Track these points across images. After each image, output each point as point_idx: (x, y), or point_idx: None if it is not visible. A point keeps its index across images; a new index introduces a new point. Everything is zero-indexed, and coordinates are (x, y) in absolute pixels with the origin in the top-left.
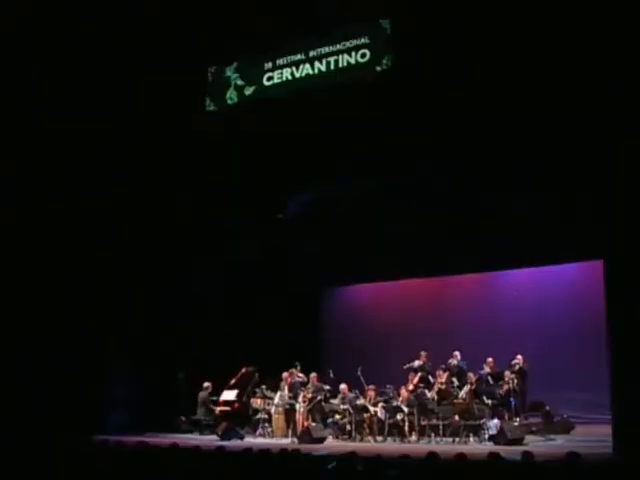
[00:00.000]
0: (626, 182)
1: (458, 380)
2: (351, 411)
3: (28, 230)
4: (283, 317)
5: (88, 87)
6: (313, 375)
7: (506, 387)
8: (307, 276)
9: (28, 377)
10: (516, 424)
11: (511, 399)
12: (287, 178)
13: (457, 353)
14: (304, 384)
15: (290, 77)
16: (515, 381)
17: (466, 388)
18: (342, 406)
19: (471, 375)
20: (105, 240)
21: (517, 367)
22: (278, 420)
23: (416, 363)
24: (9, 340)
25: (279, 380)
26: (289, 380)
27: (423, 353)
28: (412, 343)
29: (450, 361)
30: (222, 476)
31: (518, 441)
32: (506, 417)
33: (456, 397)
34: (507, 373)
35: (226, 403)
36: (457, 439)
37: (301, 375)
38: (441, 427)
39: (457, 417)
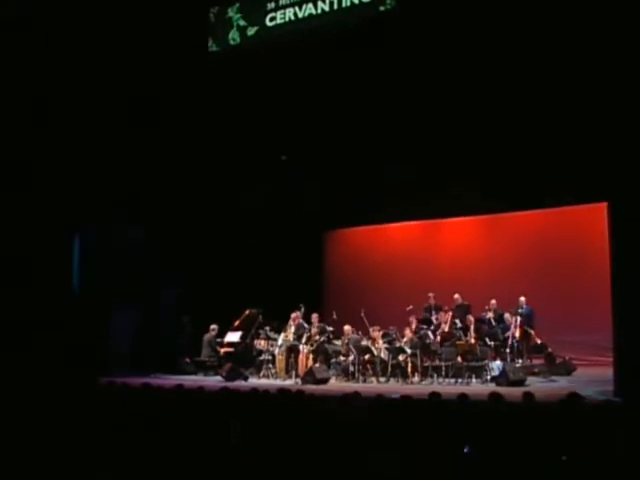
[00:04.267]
0: (630, 123)
1: (461, 322)
2: (354, 352)
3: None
4: (286, 259)
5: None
6: (314, 315)
7: (512, 330)
8: (309, 218)
9: (35, 321)
10: (518, 365)
11: (513, 341)
12: (290, 119)
13: (458, 296)
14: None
15: (293, 17)
16: (518, 323)
17: (470, 330)
18: (345, 346)
19: (470, 317)
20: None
21: (520, 309)
22: (281, 361)
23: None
24: (13, 285)
25: (284, 321)
26: (296, 321)
27: (431, 294)
28: (415, 285)
29: (455, 299)
30: (226, 416)
31: (520, 382)
32: (508, 359)
33: (459, 339)
34: (507, 316)
35: (230, 344)
36: (460, 380)
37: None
38: (444, 368)
39: (460, 358)
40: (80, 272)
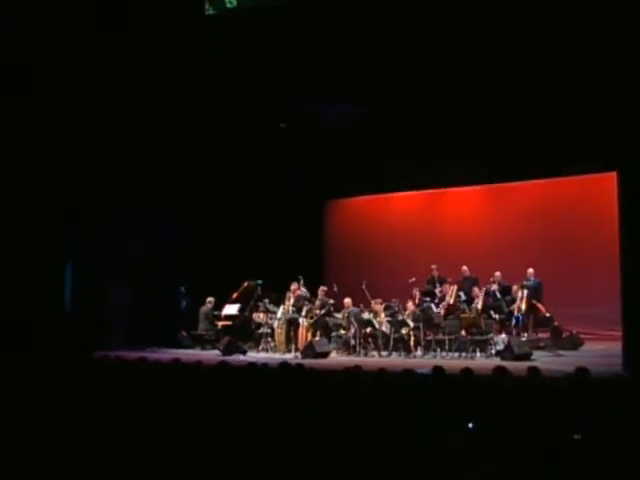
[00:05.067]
0: None
1: (467, 294)
2: (355, 325)
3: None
4: (286, 230)
5: None
6: (322, 288)
7: (518, 303)
8: (310, 187)
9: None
10: (524, 339)
11: (519, 314)
12: (289, 82)
13: (466, 268)
14: (308, 298)
15: None
16: (524, 296)
17: (475, 302)
18: (346, 319)
19: (476, 290)
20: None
21: (527, 281)
22: (281, 335)
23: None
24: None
25: (283, 293)
26: (296, 293)
27: (434, 266)
28: (418, 256)
29: (463, 270)
30: (224, 391)
31: (525, 357)
32: (514, 332)
33: (463, 311)
34: (515, 288)
35: (228, 317)
36: (463, 354)
37: (304, 290)
38: (447, 342)
39: (464, 332)
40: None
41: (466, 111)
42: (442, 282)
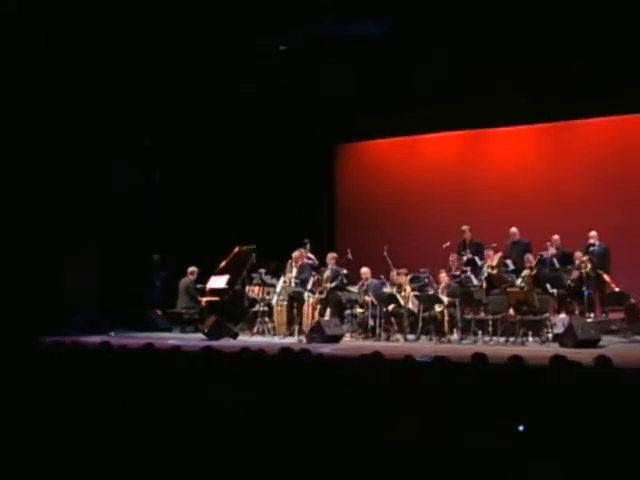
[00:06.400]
0: None
1: (514, 263)
2: (375, 302)
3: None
4: (288, 182)
5: None
6: (331, 255)
7: (577, 272)
8: (317, 127)
9: None
10: (590, 321)
11: (583, 288)
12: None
13: (515, 230)
14: (315, 268)
15: None
16: (589, 265)
17: (525, 273)
18: (363, 294)
19: (530, 257)
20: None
21: (592, 247)
22: (281, 313)
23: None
24: None
25: (285, 262)
26: (300, 262)
27: (465, 227)
28: (454, 215)
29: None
30: (210, 383)
31: (592, 342)
32: (577, 311)
33: (511, 284)
34: (578, 254)
35: (214, 292)
36: (512, 339)
37: (311, 256)
38: (491, 323)
39: (512, 310)
40: None
41: (513, 27)
42: (477, 248)
